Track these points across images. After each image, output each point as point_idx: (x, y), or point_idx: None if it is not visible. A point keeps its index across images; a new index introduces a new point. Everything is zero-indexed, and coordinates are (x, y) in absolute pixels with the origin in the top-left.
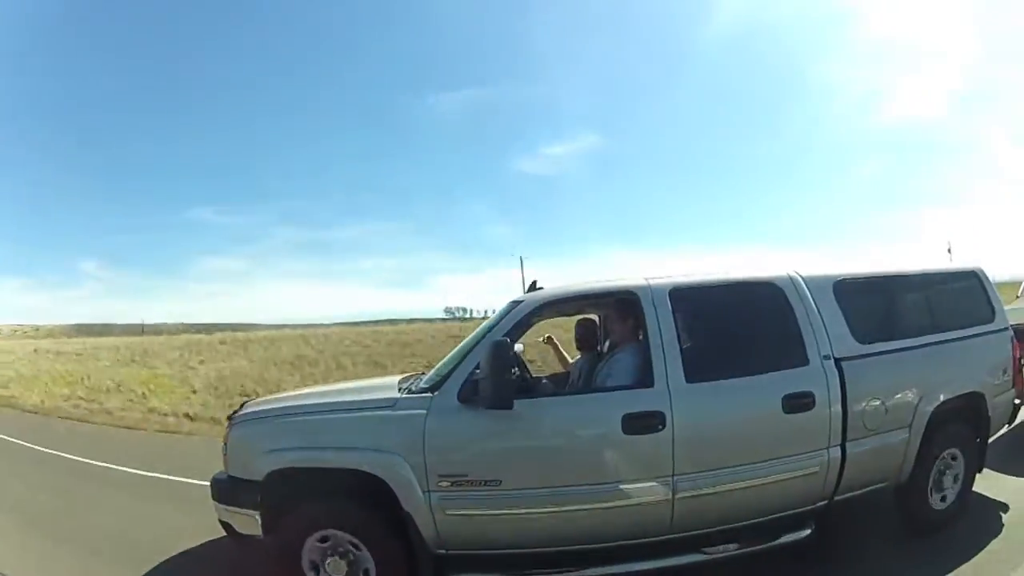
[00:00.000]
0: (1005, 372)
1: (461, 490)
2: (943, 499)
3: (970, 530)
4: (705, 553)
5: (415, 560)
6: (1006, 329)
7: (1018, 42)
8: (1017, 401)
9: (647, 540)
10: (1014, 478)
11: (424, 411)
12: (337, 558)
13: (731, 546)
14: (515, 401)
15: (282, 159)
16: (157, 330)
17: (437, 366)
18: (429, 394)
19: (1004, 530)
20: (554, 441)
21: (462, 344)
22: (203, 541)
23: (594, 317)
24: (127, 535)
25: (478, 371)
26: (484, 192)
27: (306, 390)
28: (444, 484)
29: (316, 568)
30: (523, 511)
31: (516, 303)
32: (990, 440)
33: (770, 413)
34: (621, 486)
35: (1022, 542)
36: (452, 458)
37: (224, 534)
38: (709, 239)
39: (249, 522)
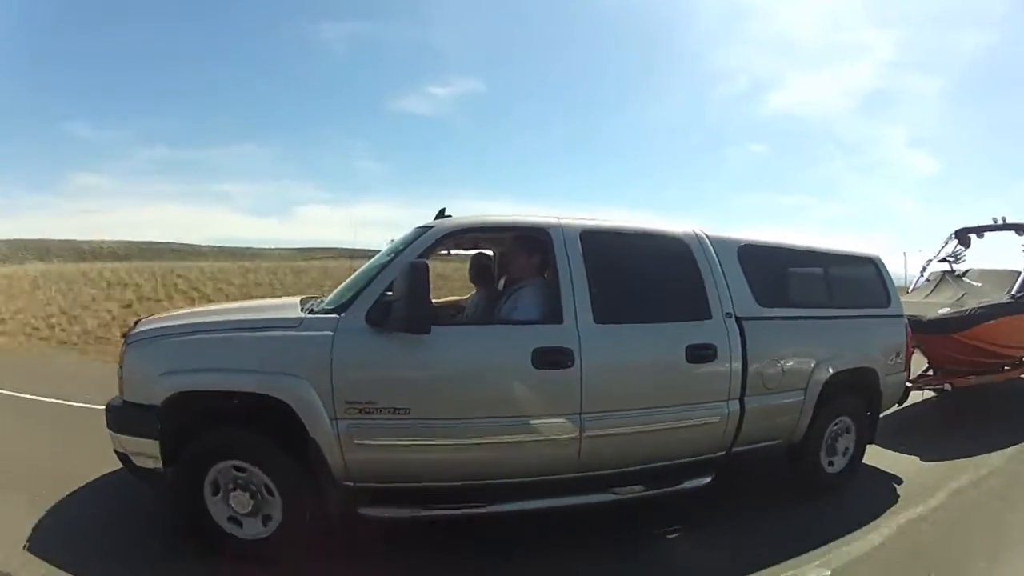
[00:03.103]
0: (898, 355)
1: (370, 418)
2: (832, 463)
3: (868, 496)
4: (614, 493)
5: (321, 493)
6: (901, 316)
7: (930, 49)
8: (908, 384)
9: (554, 478)
10: (907, 456)
11: (331, 333)
12: (239, 491)
13: (637, 488)
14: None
15: (154, 76)
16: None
17: (339, 288)
18: (335, 315)
19: (900, 500)
20: (464, 370)
21: (366, 266)
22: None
23: (489, 252)
24: None
25: (389, 293)
26: (358, 126)
27: (204, 308)
28: (353, 411)
29: (222, 506)
30: (431, 442)
31: (426, 228)
32: (883, 416)
33: (674, 360)
34: (530, 420)
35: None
36: (361, 383)
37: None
38: (579, 199)
39: (146, 451)
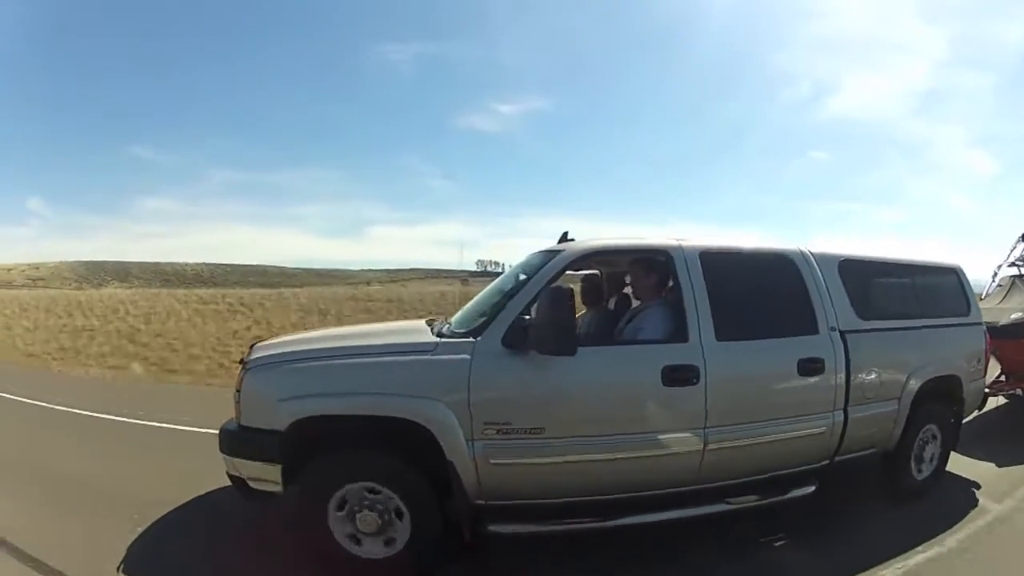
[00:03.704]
0: (979, 361)
1: (506, 438)
2: (920, 470)
3: (950, 502)
4: (728, 503)
5: (449, 515)
6: (980, 323)
7: (984, 46)
8: (987, 390)
9: (674, 490)
10: (983, 462)
11: (468, 356)
12: (368, 512)
13: (751, 497)
14: None
15: (223, 100)
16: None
17: (465, 311)
18: (471, 339)
19: (978, 503)
20: (598, 389)
21: (491, 290)
22: None
23: (597, 272)
24: None
25: (527, 317)
26: (425, 145)
27: (316, 333)
28: (489, 432)
29: (345, 523)
30: (565, 459)
31: (554, 252)
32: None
33: (788, 374)
34: (658, 436)
35: (997, 512)
36: (497, 405)
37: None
38: (643, 212)
39: (265, 475)
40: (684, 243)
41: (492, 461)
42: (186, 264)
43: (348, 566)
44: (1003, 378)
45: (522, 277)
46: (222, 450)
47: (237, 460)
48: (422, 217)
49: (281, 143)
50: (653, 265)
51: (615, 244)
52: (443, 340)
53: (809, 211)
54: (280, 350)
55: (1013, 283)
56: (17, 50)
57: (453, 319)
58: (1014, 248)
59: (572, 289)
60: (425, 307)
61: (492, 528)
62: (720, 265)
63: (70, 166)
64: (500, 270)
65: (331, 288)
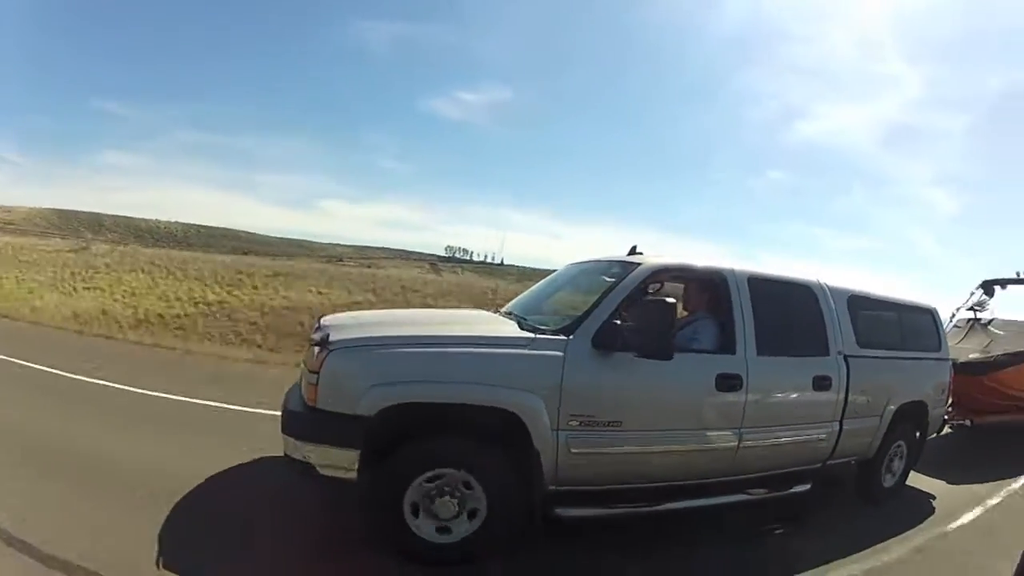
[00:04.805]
0: (943, 391)
1: (588, 430)
2: (887, 480)
3: (913, 507)
4: (748, 494)
5: (523, 501)
6: (948, 360)
7: (960, 87)
8: (945, 417)
9: (709, 480)
10: (936, 479)
11: (561, 353)
12: (447, 498)
13: (762, 490)
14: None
15: (188, 62)
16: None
17: (527, 304)
18: (563, 337)
19: (936, 511)
20: (668, 390)
21: (549, 285)
22: None
23: None
24: None
25: (616, 322)
26: (386, 125)
27: (388, 313)
28: (573, 423)
29: (419, 509)
30: (636, 449)
31: (632, 264)
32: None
33: (805, 387)
34: (707, 432)
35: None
36: (584, 399)
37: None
38: (589, 212)
39: (339, 461)
40: (736, 268)
41: (573, 450)
42: (159, 222)
43: (412, 549)
44: (951, 408)
45: (607, 281)
46: (287, 432)
47: (307, 444)
48: (373, 195)
49: (244, 109)
50: (710, 285)
51: (684, 264)
52: (537, 336)
53: (769, 231)
54: (364, 333)
55: (971, 326)
56: None
57: (515, 309)
58: (972, 294)
59: (675, 302)
60: None
61: (558, 511)
62: (762, 289)
63: (42, 111)
64: (468, 257)
65: (302, 260)
